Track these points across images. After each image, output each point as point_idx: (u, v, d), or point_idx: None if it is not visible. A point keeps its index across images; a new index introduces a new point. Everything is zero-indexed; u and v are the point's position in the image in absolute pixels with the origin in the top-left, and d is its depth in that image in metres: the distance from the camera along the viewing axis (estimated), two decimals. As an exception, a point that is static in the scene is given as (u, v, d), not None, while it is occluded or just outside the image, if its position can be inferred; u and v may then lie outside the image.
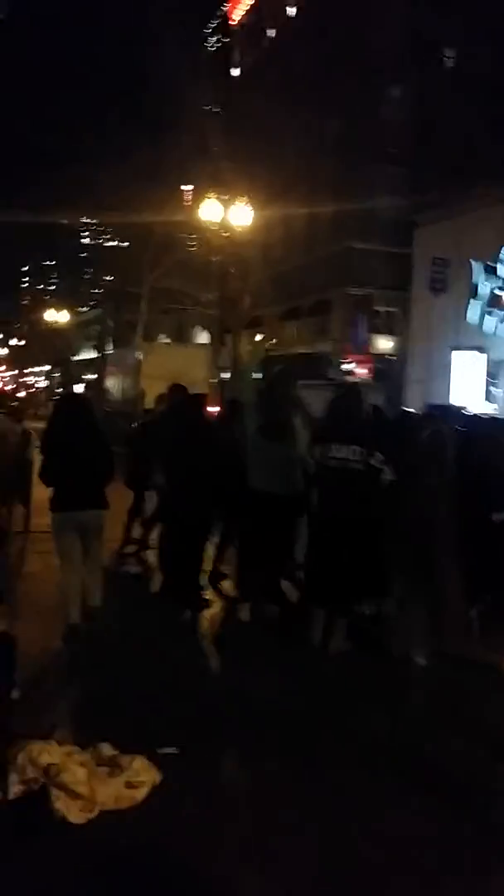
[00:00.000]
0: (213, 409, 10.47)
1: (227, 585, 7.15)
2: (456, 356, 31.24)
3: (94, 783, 3.55)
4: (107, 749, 3.87)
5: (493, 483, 5.98)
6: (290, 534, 6.66)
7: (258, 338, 31.58)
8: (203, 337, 45.37)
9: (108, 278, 41.09)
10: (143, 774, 3.71)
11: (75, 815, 3.42)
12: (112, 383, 28.83)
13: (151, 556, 8.04)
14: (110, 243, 42.19)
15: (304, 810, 3.65)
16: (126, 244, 38.49)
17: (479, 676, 5.48)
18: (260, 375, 6.39)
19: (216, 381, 23.89)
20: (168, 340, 42.69)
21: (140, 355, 25.09)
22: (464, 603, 5.92)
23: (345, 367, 34.32)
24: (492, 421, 7.15)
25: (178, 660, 5.49)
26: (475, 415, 9.99)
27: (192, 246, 32.01)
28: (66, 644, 5.48)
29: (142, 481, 7.89)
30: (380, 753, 4.24)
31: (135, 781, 3.65)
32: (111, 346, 38.54)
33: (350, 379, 26.45)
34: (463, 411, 13.63)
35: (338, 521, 5.61)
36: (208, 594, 6.87)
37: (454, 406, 22.61)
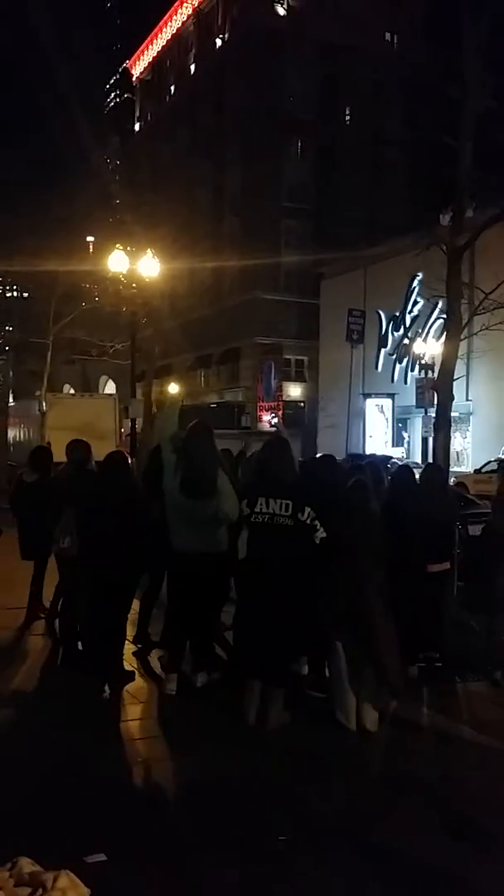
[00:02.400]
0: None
1: (156, 655, 6.53)
2: (367, 403, 31.88)
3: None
4: (27, 865, 3.24)
5: (429, 533, 5.73)
6: (217, 595, 6.26)
7: (169, 387, 31.27)
8: (110, 387, 44.69)
9: (8, 328, 40.14)
10: (69, 893, 3.11)
11: None
12: (14, 435, 27.76)
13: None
14: (10, 294, 41.36)
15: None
16: (26, 295, 37.75)
17: (427, 743, 5.12)
18: (174, 427, 5.91)
19: (125, 431, 23.32)
20: (73, 391, 41.82)
21: (45, 406, 24.29)
22: (403, 661, 5.58)
23: (264, 417, 34.41)
24: (431, 469, 6.95)
25: (97, 747, 4.85)
26: (405, 464, 9.91)
27: (97, 297, 31.60)
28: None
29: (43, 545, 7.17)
30: (330, 838, 3.81)
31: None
32: (11, 398, 37.44)
33: (271, 428, 26.42)
34: (394, 460, 13.60)
35: (267, 581, 5.22)
36: (134, 665, 6.27)
37: (377, 455, 22.87)
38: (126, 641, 6.26)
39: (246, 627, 5.47)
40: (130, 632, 6.58)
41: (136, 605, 6.76)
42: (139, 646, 6.68)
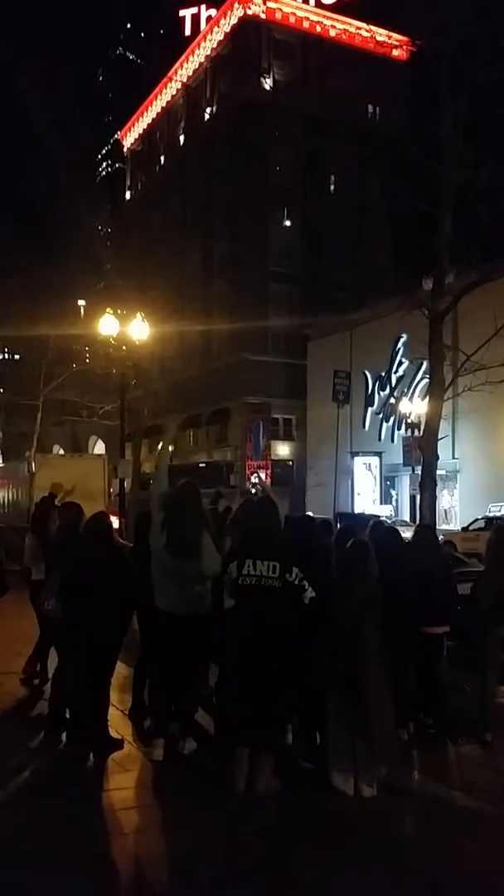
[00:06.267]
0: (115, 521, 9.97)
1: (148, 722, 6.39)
2: (355, 461, 32.06)
3: None
4: None
5: (425, 596, 5.73)
6: (203, 658, 6.18)
7: (158, 447, 31.29)
8: (100, 447, 44.75)
9: (-1, 390, 40.51)
10: None
11: None
12: (2, 497, 27.63)
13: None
14: (1, 355, 41.79)
15: None
16: (17, 357, 38.12)
17: (419, 809, 5.04)
18: (162, 487, 5.93)
19: (114, 491, 23.28)
20: (63, 451, 41.83)
21: (34, 467, 24.26)
22: (397, 725, 5.52)
23: (253, 476, 34.45)
24: (424, 530, 6.97)
25: (81, 817, 4.74)
26: (393, 524, 9.92)
27: (88, 359, 31.98)
28: None
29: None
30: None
31: None
32: (0, 459, 37.41)
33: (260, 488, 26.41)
34: (385, 520, 13.58)
35: (256, 644, 5.17)
36: (121, 733, 6.14)
37: (366, 514, 22.87)
38: (115, 708, 6.16)
39: (234, 691, 5.40)
40: (122, 699, 6.48)
41: (124, 670, 6.68)
42: (133, 715, 6.53)
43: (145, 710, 6.39)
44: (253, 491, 26.42)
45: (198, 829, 4.62)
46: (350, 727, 5.14)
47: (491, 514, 22.91)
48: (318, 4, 44.68)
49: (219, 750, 5.50)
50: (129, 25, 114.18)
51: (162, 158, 52.41)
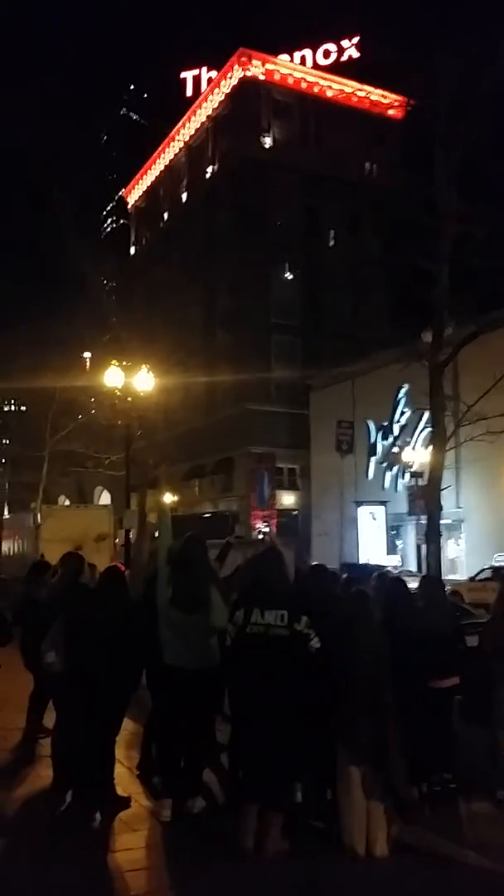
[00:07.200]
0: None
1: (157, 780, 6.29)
2: (360, 511, 31.98)
3: None
4: None
5: (432, 649, 5.69)
6: (211, 713, 6.13)
7: (165, 497, 31.37)
8: (105, 497, 44.79)
9: (5, 442, 40.74)
10: None
11: None
12: (8, 548, 27.57)
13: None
14: (8, 407, 42.18)
15: None
16: (24, 408, 38.46)
17: (431, 870, 4.95)
18: (169, 539, 5.95)
19: (120, 542, 23.24)
20: (68, 502, 41.86)
21: (39, 518, 24.27)
22: (410, 782, 5.45)
23: (258, 525, 34.35)
24: (429, 581, 6.96)
25: (86, 880, 4.67)
26: (399, 574, 9.87)
27: (94, 410, 32.26)
28: None
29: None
30: None
31: None
32: (7, 511, 37.46)
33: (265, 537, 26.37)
34: (387, 569, 13.51)
35: (264, 697, 5.08)
36: (129, 791, 6.06)
37: (371, 564, 22.73)
38: (122, 765, 6.08)
39: (243, 747, 5.35)
40: (129, 756, 6.41)
41: (131, 726, 6.62)
42: (142, 772, 6.44)
43: (154, 767, 6.31)
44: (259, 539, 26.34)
45: (205, 890, 4.54)
46: (362, 785, 5.08)
47: (497, 564, 22.76)
48: (315, 66, 46.28)
49: (227, 808, 5.43)
50: (132, 87, 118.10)
51: (165, 215, 53.65)
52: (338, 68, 45.88)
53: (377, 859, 4.96)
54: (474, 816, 5.84)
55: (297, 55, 46.41)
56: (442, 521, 14.62)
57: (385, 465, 32.83)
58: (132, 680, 6.03)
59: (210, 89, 47.12)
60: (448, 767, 5.93)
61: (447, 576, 21.17)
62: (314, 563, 9.36)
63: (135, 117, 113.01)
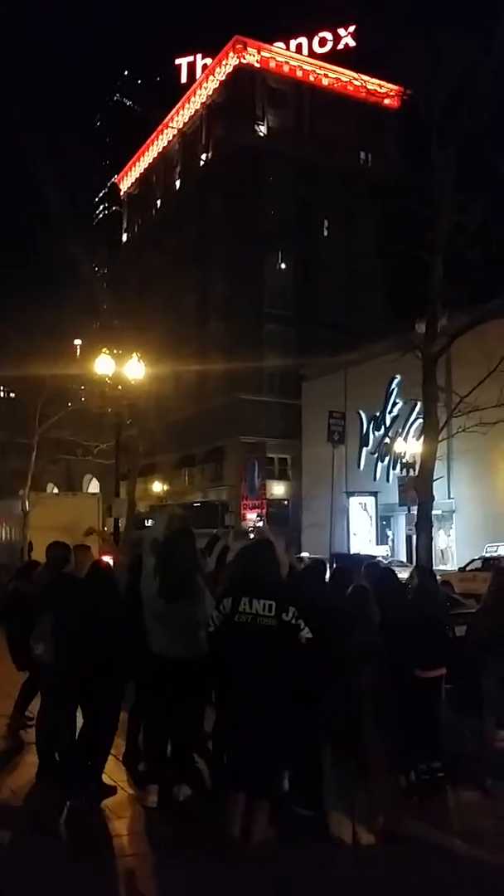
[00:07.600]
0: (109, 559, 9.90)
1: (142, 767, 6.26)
2: (351, 501, 32.03)
3: None
4: None
5: (422, 639, 5.67)
6: (199, 701, 6.09)
7: (154, 486, 31.38)
8: (94, 486, 44.64)
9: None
10: None
11: None
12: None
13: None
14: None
15: None
16: (13, 395, 38.19)
17: (418, 858, 4.94)
18: (155, 528, 5.90)
19: (109, 530, 23.16)
20: (57, 490, 41.67)
21: (28, 506, 24.14)
22: (394, 772, 5.44)
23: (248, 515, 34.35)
24: (421, 572, 6.92)
25: (71, 865, 4.65)
26: (389, 565, 9.84)
27: (84, 398, 32.06)
28: None
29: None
30: None
31: None
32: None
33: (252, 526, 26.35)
34: (378, 559, 13.48)
35: (251, 685, 5.06)
36: (114, 779, 6.03)
37: (362, 554, 22.75)
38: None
39: (230, 735, 5.32)
40: (116, 744, 6.36)
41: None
42: (127, 760, 6.40)
43: (140, 754, 6.28)
44: (251, 531, 26.33)
45: (192, 877, 4.52)
46: (348, 774, 5.07)
47: (487, 555, 22.84)
48: (311, 54, 45.99)
49: (214, 796, 5.41)
50: (126, 72, 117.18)
51: (158, 202, 53.31)
52: (334, 57, 45.61)
53: (363, 847, 4.95)
54: (462, 805, 5.85)
55: (293, 43, 46.12)
56: (433, 512, 14.62)
57: (376, 455, 32.86)
58: (122, 670, 5.97)
59: (205, 76, 46.78)
60: (436, 756, 5.93)
61: (437, 566, 21.23)
62: (308, 555, 9.34)
63: (128, 103, 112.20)
